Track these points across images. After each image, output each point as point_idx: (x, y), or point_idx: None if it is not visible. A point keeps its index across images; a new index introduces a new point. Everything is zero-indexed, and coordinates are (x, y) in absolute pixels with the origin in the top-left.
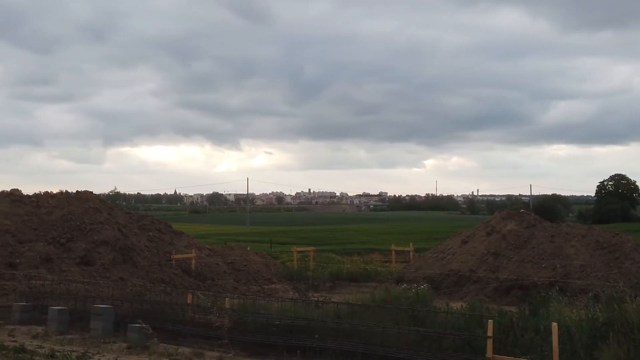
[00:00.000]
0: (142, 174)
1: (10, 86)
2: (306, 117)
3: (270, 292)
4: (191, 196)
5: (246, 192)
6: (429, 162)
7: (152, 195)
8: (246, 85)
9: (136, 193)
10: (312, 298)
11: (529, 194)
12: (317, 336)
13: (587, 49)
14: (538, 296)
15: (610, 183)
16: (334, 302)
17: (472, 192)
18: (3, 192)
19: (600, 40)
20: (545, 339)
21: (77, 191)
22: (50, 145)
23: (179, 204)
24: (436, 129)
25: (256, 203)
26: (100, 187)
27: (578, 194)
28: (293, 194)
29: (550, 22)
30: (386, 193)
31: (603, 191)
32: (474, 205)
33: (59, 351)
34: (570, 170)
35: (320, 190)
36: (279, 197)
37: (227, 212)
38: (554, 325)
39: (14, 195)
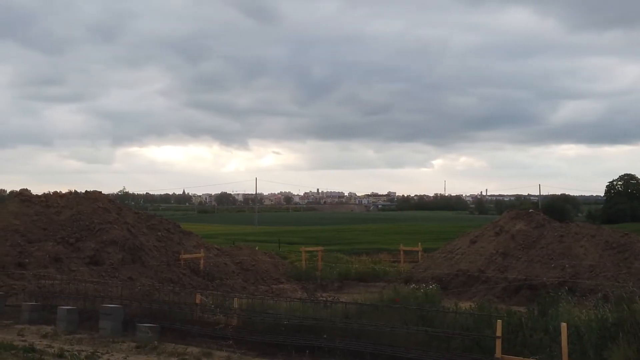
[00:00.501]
0: (151, 174)
1: (19, 86)
2: (314, 117)
3: (279, 292)
4: (199, 196)
5: (254, 192)
6: (438, 162)
7: (160, 195)
8: (254, 85)
9: (145, 193)
10: (321, 298)
11: (538, 193)
12: (325, 336)
13: (595, 49)
14: (547, 296)
15: (619, 183)
16: (342, 302)
17: (481, 192)
18: (12, 192)
19: (609, 40)
20: (554, 339)
21: (86, 191)
22: (59, 146)
23: (187, 204)
24: (444, 128)
25: (264, 203)
26: (109, 187)
27: (587, 194)
28: (301, 193)
29: (559, 22)
30: (394, 193)
31: (612, 191)
32: (482, 205)
33: (68, 351)
34: (579, 170)
35: (329, 190)
36: (287, 197)
37: (235, 212)
38: (563, 325)
39: (23, 195)
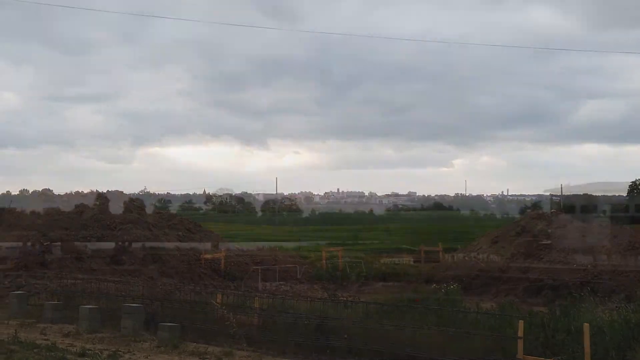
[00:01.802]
0: (172, 174)
1: (41, 87)
2: (334, 117)
3: (299, 292)
4: (220, 196)
5: (275, 192)
6: (458, 162)
7: (181, 195)
8: (274, 84)
9: (166, 193)
10: (341, 298)
11: (560, 193)
12: (345, 336)
13: (619, 47)
14: (569, 296)
15: None
16: (362, 302)
17: (502, 192)
18: (35, 192)
19: (633, 39)
20: (576, 339)
21: (107, 191)
22: (80, 146)
23: (207, 204)
24: (465, 128)
25: (285, 203)
26: (130, 187)
27: (610, 194)
28: (322, 193)
29: (582, 20)
30: (415, 193)
31: (635, 191)
32: (503, 205)
33: (90, 349)
34: (602, 170)
35: (349, 190)
36: (308, 197)
37: (256, 211)
38: (586, 325)
39: (46, 195)
